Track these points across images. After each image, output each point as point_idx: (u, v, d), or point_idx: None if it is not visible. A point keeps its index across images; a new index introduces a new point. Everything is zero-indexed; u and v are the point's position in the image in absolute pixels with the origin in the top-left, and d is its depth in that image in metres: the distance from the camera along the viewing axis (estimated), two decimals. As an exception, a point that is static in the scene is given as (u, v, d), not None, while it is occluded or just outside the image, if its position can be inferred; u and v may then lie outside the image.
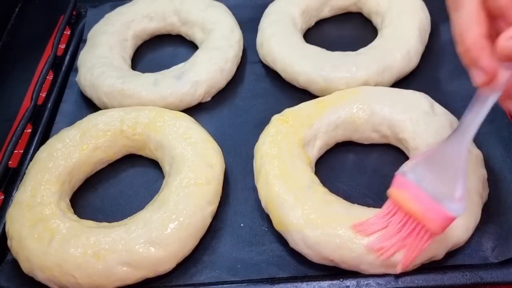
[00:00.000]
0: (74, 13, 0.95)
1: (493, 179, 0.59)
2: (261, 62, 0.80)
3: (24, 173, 0.65)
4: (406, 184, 0.49)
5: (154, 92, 0.72)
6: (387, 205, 0.51)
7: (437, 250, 0.52)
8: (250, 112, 0.74)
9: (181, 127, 0.66)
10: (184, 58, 0.78)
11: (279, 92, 0.76)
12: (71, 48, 0.89)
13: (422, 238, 0.48)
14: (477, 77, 0.44)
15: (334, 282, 0.53)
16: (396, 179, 0.50)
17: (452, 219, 0.46)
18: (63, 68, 0.85)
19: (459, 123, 0.48)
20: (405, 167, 0.50)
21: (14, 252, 0.58)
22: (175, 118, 0.67)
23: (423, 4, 0.78)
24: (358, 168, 0.65)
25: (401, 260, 0.50)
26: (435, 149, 0.49)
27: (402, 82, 0.72)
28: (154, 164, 0.68)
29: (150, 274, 0.55)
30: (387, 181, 0.62)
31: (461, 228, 0.53)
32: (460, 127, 0.48)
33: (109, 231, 0.56)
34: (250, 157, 0.64)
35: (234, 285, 0.55)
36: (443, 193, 0.47)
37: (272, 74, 0.77)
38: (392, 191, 0.50)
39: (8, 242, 0.59)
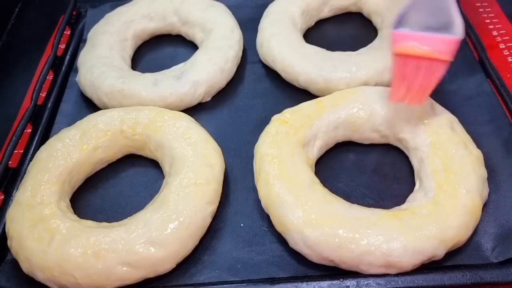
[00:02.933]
0: (74, 13, 0.95)
1: (493, 179, 0.59)
2: (261, 62, 0.80)
3: (24, 173, 0.65)
4: (405, 36, 0.51)
5: (154, 92, 0.72)
6: (396, 65, 0.52)
7: (437, 250, 0.52)
8: (250, 112, 0.74)
9: (181, 127, 0.66)
10: (184, 58, 0.78)
11: (279, 92, 0.76)
12: (71, 48, 0.89)
13: (436, 72, 0.51)
14: None
15: (334, 282, 0.53)
16: (394, 37, 0.52)
17: (458, 42, 0.50)
18: (63, 68, 0.86)
19: None
20: (397, 23, 0.52)
21: (14, 252, 0.58)
22: (175, 118, 0.67)
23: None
24: (358, 168, 0.65)
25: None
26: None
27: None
28: (154, 164, 0.68)
29: (150, 274, 0.55)
30: (387, 181, 0.62)
31: (461, 228, 0.53)
32: None
33: (109, 231, 0.56)
34: (250, 157, 0.64)
35: (234, 285, 0.55)
36: (442, 24, 0.50)
37: (272, 74, 0.77)
38: (396, 48, 0.52)
39: (8, 242, 0.59)
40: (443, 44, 0.51)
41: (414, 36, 0.51)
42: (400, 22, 0.52)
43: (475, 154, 0.58)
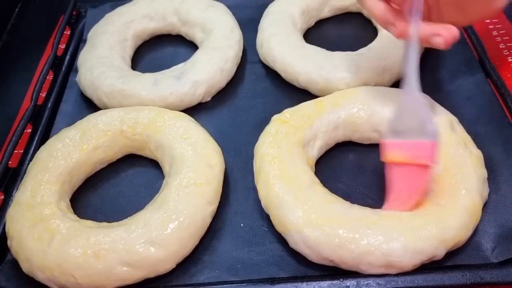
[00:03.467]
0: (74, 13, 0.95)
1: (493, 179, 0.59)
2: (261, 62, 0.80)
3: (24, 173, 0.65)
4: (391, 146, 0.56)
5: (154, 92, 0.72)
6: (388, 174, 0.57)
7: (437, 250, 0.52)
8: (250, 112, 0.74)
9: (181, 127, 0.66)
10: (184, 58, 0.78)
11: (279, 92, 0.76)
12: (71, 48, 0.89)
13: (423, 177, 0.54)
14: (392, 32, 0.57)
15: (334, 282, 0.53)
16: (383, 147, 0.57)
17: (434, 144, 0.54)
18: (63, 68, 0.85)
19: (404, 77, 0.57)
20: (385, 134, 0.57)
21: (14, 252, 0.58)
22: (175, 118, 0.67)
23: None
24: (358, 168, 0.65)
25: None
26: (398, 106, 0.57)
27: (402, 82, 0.72)
28: (154, 164, 0.68)
29: (150, 274, 0.55)
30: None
31: (461, 228, 0.53)
32: (405, 80, 0.57)
33: (109, 231, 0.56)
34: (250, 157, 0.64)
35: (234, 285, 0.55)
36: (418, 132, 0.54)
37: (272, 74, 0.77)
38: (385, 157, 0.57)
39: (8, 242, 0.59)
40: (421, 149, 0.54)
41: (398, 144, 0.55)
42: (386, 131, 0.57)
43: (475, 154, 0.58)
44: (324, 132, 0.64)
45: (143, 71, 0.78)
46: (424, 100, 0.56)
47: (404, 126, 0.55)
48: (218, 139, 0.67)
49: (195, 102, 0.74)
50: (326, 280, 0.53)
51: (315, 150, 0.64)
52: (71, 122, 0.71)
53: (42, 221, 0.57)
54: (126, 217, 0.59)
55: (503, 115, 0.66)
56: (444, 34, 0.53)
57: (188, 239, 0.56)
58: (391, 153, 0.56)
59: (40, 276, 0.56)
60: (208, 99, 0.76)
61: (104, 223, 0.59)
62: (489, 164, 0.60)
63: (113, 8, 0.89)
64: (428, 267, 0.53)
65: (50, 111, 0.79)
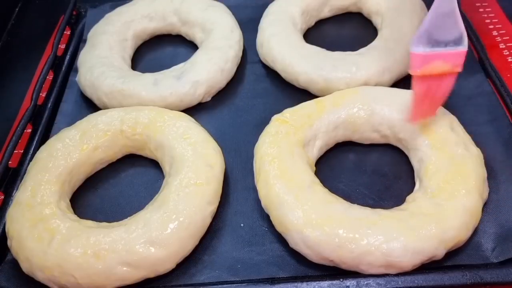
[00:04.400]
0: (74, 13, 0.95)
1: (493, 179, 0.59)
2: (261, 62, 0.80)
3: (24, 173, 0.65)
4: (424, 58, 0.54)
5: (154, 92, 0.72)
6: (418, 85, 0.56)
7: (437, 250, 0.52)
8: (250, 112, 0.74)
9: (181, 127, 0.66)
10: (184, 58, 0.78)
11: (279, 92, 0.76)
12: (71, 48, 0.89)
13: (449, 84, 0.56)
14: None
15: (334, 282, 0.53)
16: (413, 59, 0.54)
17: (465, 51, 0.54)
18: (63, 68, 0.86)
19: None
20: (415, 44, 0.54)
21: (14, 252, 0.58)
22: (175, 118, 0.67)
23: (423, 4, 0.78)
24: (358, 168, 0.65)
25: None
26: (429, 15, 0.54)
27: (402, 82, 0.72)
28: (154, 164, 0.68)
29: (150, 274, 0.55)
30: (387, 181, 0.62)
31: (461, 228, 0.53)
32: None
33: (109, 231, 0.56)
34: (250, 157, 0.64)
35: (234, 285, 0.55)
36: (453, 40, 0.53)
37: (272, 74, 0.77)
38: (416, 71, 0.55)
39: (8, 242, 0.59)
40: (457, 57, 0.54)
41: (434, 55, 0.54)
42: (417, 41, 0.54)
43: (475, 154, 0.58)
44: (324, 132, 0.64)
45: (143, 71, 0.78)
46: (456, 7, 0.53)
47: (445, 36, 0.53)
48: (218, 139, 0.67)
49: (195, 102, 0.75)
50: (326, 280, 0.53)
51: (315, 150, 0.64)
52: (71, 122, 0.71)
53: (42, 221, 0.57)
54: (126, 217, 0.59)
55: (503, 115, 0.66)
56: None
57: (188, 239, 0.56)
58: (427, 66, 0.54)
59: (40, 276, 0.56)
60: (208, 99, 0.76)
61: (104, 223, 0.59)
62: (489, 164, 0.60)
63: (113, 8, 0.89)
64: (428, 267, 0.53)
65: (50, 111, 0.79)
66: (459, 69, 0.55)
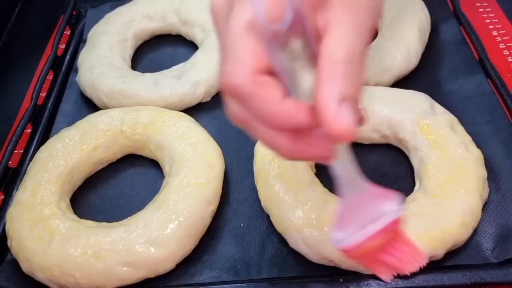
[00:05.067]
0: (74, 13, 0.95)
1: (493, 179, 0.59)
2: (261, 62, 0.79)
3: (24, 173, 0.65)
4: (345, 248, 0.44)
5: (154, 92, 0.72)
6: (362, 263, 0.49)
7: (436, 250, 0.52)
8: (250, 112, 0.73)
9: (181, 127, 0.66)
10: (184, 58, 0.78)
11: (279, 92, 0.76)
12: (71, 48, 0.89)
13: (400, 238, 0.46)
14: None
15: (334, 282, 0.53)
16: (341, 250, 0.45)
17: (397, 220, 0.44)
18: (63, 68, 0.85)
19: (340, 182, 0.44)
20: (335, 237, 0.44)
21: (14, 252, 0.58)
22: (175, 118, 0.67)
23: (423, 4, 0.78)
24: (358, 168, 0.64)
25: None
26: (338, 209, 0.45)
27: (402, 82, 0.72)
28: (154, 164, 0.68)
29: (150, 274, 0.55)
30: (387, 181, 0.62)
31: (461, 228, 0.53)
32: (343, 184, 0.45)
33: (109, 231, 0.56)
34: (250, 157, 0.64)
35: (234, 285, 0.55)
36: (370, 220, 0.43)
37: (272, 74, 0.77)
38: (349, 256, 0.47)
39: (8, 242, 0.59)
40: (394, 225, 0.44)
41: (364, 240, 0.43)
42: (336, 235, 0.44)
43: (475, 154, 0.58)
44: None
45: (143, 71, 0.78)
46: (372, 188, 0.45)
47: (356, 224, 0.43)
48: (218, 139, 0.67)
49: (195, 102, 0.74)
50: (326, 280, 0.53)
51: (315, 150, 0.64)
52: (71, 122, 0.71)
53: (42, 221, 0.57)
54: (126, 217, 0.59)
55: (503, 115, 0.66)
56: None
57: (188, 239, 0.56)
58: (359, 251, 0.44)
59: (40, 276, 0.56)
60: (208, 99, 0.76)
61: (104, 223, 0.59)
62: (489, 164, 0.60)
63: (113, 8, 0.89)
64: (428, 267, 0.53)
65: (50, 111, 0.79)
66: (399, 230, 0.45)
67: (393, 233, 0.44)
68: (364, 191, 0.44)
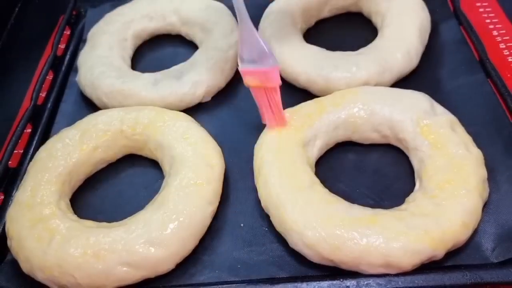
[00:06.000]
0: (74, 13, 0.95)
1: (493, 179, 0.59)
2: (261, 62, 0.79)
3: (24, 173, 0.65)
4: (246, 73, 0.61)
5: (154, 92, 0.72)
6: (254, 95, 0.62)
7: (436, 250, 0.52)
8: (250, 112, 0.73)
9: (181, 127, 0.66)
10: (184, 58, 0.78)
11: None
12: (71, 48, 0.89)
13: (274, 96, 0.61)
14: None
15: (334, 282, 0.53)
16: (242, 74, 0.61)
17: (276, 69, 0.59)
18: (63, 68, 0.86)
19: (237, 14, 0.59)
20: (239, 58, 0.61)
21: (14, 252, 0.58)
22: (175, 118, 0.67)
23: (423, 4, 0.78)
24: (358, 168, 0.65)
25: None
26: (239, 38, 0.60)
27: (402, 82, 0.72)
28: (154, 164, 0.68)
29: (150, 274, 0.55)
30: (387, 181, 0.62)
31: (461, 228, 0.53)
32: (238, 16, 0.58)
33: (109, 231, 0.56)
34: (250, 157, 0.64)
35: (234, 285, 0.55)
36: (258, 59, 0.59)
37: (272, 74, 0.77)
38: (245, 82, 0.61)
39: (8, 242, 0.59)
40: (263, 74, 0.59)
41: (249, 71, 0.60)
42: (240, 57, 0.61)
43: (475, 154, 0.58)
44: (324, 132, 0.64)
45: (143, 71, 0.78)
46: (256, 32, 0.59)
47: (248, 55, 0.60)
48: (218, 139, 0.67)
49: (195, 102, 0.74)
50: (326, 280, 0.53)
51: (315, 150, 0.64)
52: (71, 122, 0.71)
53: (42, 221, 0.57)
54: (126, 217, 0.59)
55: (503, 115, 0.66)
56: None
57: (188, 239, 0.56)
58: (247, 79, 0.61)
59: (40, 276, 0.56)
60: (208, 99, 0.76)
61: (104, 223, 0.59)
62: (489, 164, 0.60)
63: (113, 8, 0.89)
64: (428, 267, 0.53)
65: (50, 111, 0.79)
66: (271, 84, 0.60)
67: (269, 82, 0.60)
68: (249, 30, 0.59)
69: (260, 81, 0.60)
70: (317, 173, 0.61)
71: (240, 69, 0.61)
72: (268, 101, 0.61)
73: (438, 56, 0.76)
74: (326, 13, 0.85)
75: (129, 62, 0.83)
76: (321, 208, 0.54)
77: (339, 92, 0.67)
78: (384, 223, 0.52)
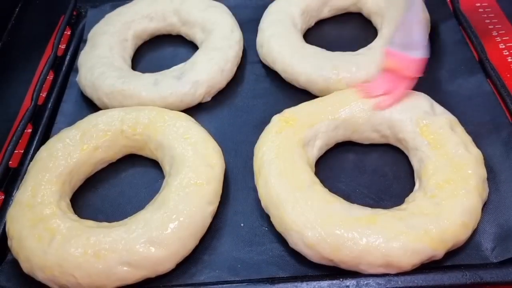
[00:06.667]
0: (74, 13, 0.95)
1: (493, 179, 0.59)
2: (261, 62, 0.80)
3: (25, 173, 0.65)
4: (389, 54, 0.64)
5: (154, 92, 0.73)
6: (381, 74, 0.65)
7: (436, 250, 0.52)
8: (250, 112, 0.74)
9: (181, 127, 0.66)
10: (184, 58, 0.78)
11: (279, 92, 0.76)
12: (71, 48, 0.89)
13: (402, 84, 0.63)
14: None
15: (334, 282, 0.53)
16: (385, 53, 0.65)
17: (417, 61, 0.62)
18: (64, 68, 0.86)
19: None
20: (390, 41, 0.65)
21: (14, 252, 0.58)
22: (175, 118, 0.67)
23: (423, 4, 0.77)
24: (358, 168, 0.65)
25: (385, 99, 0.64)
26: (400, 21, 0.64)
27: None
28: (154, 164, 0.68)
29: (150, 274, 0.55)
30: (387, 181, 0.62)
31: (461, 228, 0.53)
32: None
33: (109, 231, 0.56)
34: (250, 157, 0.64)
35: (234, 285, 0.55)
36: (409, 46, 0.62)
37: (272, 74, 0.77)
38: (384, 62, 0.65)
39: (8, 242, 0.59)
40: (408, 62, 0.62)
41: (393, 53, 0.64)
42: (392, 39, 0.65)
43: (475, 154, 0.58)
44: (324, 132, 0.64)
45: (143, 71, 0.78)
46: (419, 19, 0.62)
47: (400, 39, 0.63)
48: (218, 139, 0.67)
49: (195, 102, 0.75)
50: (326, 280, 0.53)
51: (315, 150, 0.64)
52: (71, 122, 0.71)
53: (43, 221, 0.57)
54: (126, 217, 0.59)
55: (502, 115, 0.66)
56: None
57: (188, 239, 0.56)
58: (388, 61, 0.64)
59: (40, 276, 0.56)
60: (208, 99, 0.76)
61: (104, 223, 0.59)
62: (489, 164, 0.60)
63: (113, 8, 0.89)
64: (428, 267, 0.53)
65: (50, 111, 0.79)
66: (409, 73, 0.62)
67: (407, 70, 0.62)
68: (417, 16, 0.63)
69: (399, 66, 0.63)
70: (317, 173, 0.61)
71: (386, 49, 0.64)
72: (391, 87, 0.64)
73: (438, 56, 0.76)
74: (326, 13, 0.85)
75: (129, 62, 0.83)
76: (321, 208, 0.54)
77: (339, 92, 0.67)
78: (383, 223, 0.52)
